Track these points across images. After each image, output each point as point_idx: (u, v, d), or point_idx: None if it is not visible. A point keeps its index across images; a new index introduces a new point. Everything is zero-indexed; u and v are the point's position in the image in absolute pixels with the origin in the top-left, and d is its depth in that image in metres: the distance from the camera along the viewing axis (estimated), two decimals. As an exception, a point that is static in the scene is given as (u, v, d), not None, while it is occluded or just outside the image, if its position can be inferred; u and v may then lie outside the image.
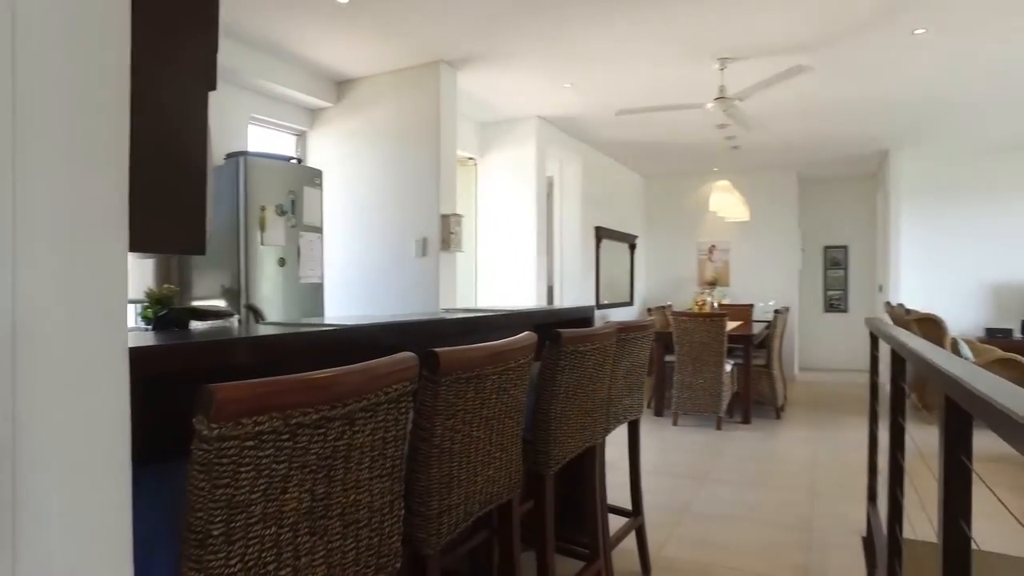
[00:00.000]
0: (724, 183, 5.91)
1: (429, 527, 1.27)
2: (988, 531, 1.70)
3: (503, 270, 5.88)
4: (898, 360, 2.30)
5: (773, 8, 3.61)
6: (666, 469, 4.29)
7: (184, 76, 1.25)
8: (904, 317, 5.66)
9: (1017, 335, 7.11)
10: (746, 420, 5.59)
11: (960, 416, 1.26)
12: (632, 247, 8.43)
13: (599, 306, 7.28)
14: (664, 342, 5.76)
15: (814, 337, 9.19)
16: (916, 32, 4.00)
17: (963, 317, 7.35)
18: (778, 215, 8.25)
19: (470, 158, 5.97)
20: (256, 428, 0.81)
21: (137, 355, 1.02)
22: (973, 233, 7.47)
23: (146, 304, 2.09)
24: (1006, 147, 7.07)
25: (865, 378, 8.43)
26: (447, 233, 4.43)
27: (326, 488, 0.95)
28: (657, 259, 8.92)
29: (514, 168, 5.86)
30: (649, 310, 6.33)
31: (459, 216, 4.54)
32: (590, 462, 2.26)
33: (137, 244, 1.15)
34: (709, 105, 4.39)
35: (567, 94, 5.18)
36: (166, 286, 2.15)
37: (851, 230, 9.04)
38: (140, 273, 3.39)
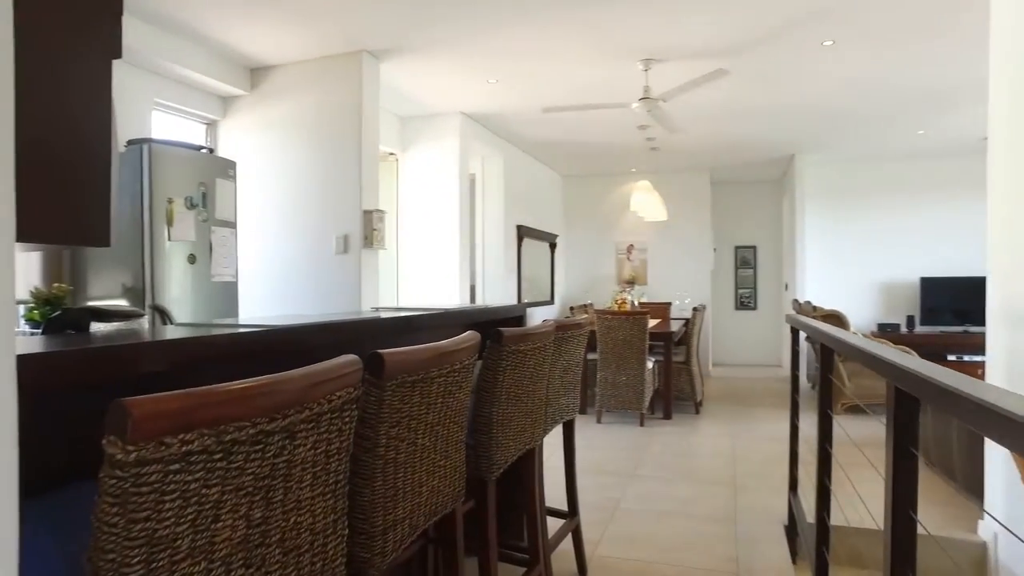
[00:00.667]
0: (645, 183, 6.02)
1: (373, 545, 1.16)
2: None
3: (425, 268, 5.74)
4: (827, 353, 2.36)
5: (694, 12, 3.67)
6: (595, 467, 4.29)
7: (83, 40, 1.08)
8: (812, 313, 5.94)
9: (904, 329, 7.64)
10: (667, 416, 5.71)
11: (908, 404, 1.28)
12: (552, 246, 8.47)
13: (522, 305, 7.25)
14: (587, 340, 5.79)
15: (726, 334, 9.55)
16: (825, 43, 4.18)
17: (859, 313, 7.82)
18: (692, 216, 8.51)
19: (391, 153, 5.80)
20: (183, 448, 0.68)
21: (28, 363, 0.86)
22: (867, 235, 7.96)
23: (32, 305, 1.85)
24: (896, 157, 7.58)
25: (774, 372, 8.87)
26: (369, 230, 4.26)
27: (263, 512, 0.83)
28: (577, 258, 9.01)
29: (437, 164, 5.73)
30: (571, 308, 6.36)
31: (382, 212, 4.38)
32: (529, 465, 2.19)
33: (28, 233, 0.97)
34: (634, 105, 4.44)
35: (492, 90, 5.11)
36: (56, 285, 1.92)
37: (760, 231, 9.45)
38: (24, 270, 3.06)
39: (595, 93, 5.03)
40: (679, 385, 5.92)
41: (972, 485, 3.47)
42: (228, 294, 3.71)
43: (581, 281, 8.98)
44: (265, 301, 4.39)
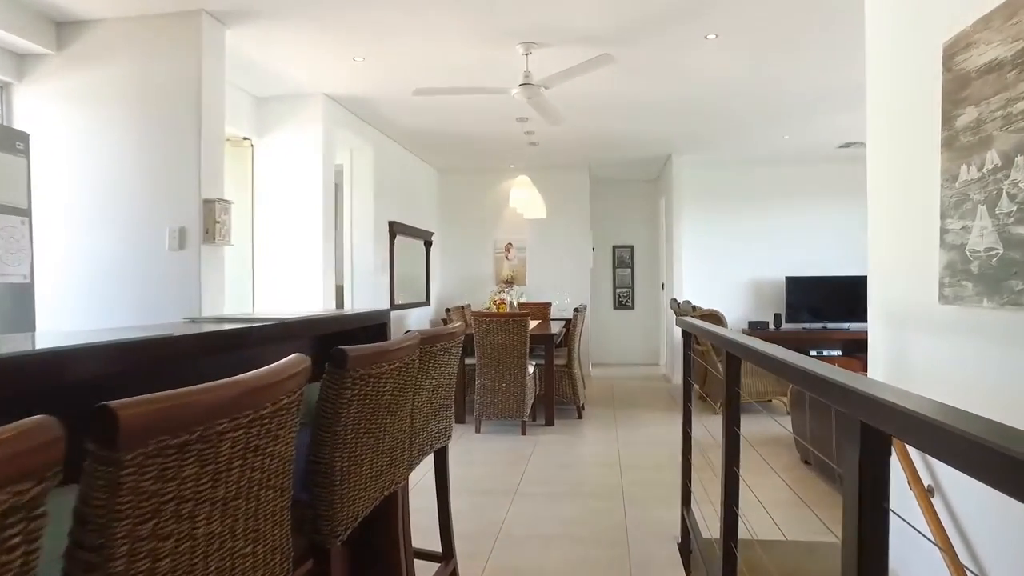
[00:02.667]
0: (524, 179, 5.75)
1: None
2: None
3: (286, 268, 5.13)
4: (734, 363, 2.12)
5: (581, -11, 3.40)
6: (473, 485, 3.92)
7: None
8: (691, 313, 5.92)
9: (771, 327, 7.92)
10: (550, 422, 5.46)
11: (877, 439, 1.00)
12: (428, 244, 8.03)
13: (394, 307, 6.77)
14: (464, 344, 5.43)
15: (605, 333, 9.54)
16: (709, 37, 4.06)
17: (731, 311, 8.01)
18: (572, 214, 8.38)
19: (245, 138, 5.13)
20: None
21: None
22: (738, 236, 8.19)
23: None
24: (764, 161, 7.84)
25: (653, 371, 8.96)
26: (211, 222, 3.64)
27: None
28: (453, 257, 8.63)
29: (298, 152, 5.13)
30: (447, 311, 5.98)
31: (227, 202, 3.76)
32: (391, 511, 1.77)
33: None
34: (514, 91, 4.11)
35: (357, 70, 4.60)
36: None
37: (637, 231, 9.52)
38: None
39: (472, 77, 4.67)
40: (561, 389, 5.70)
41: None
42: (19, 299, 2.98)
43: (458, 281, 8.61)
44: (77, 307, 3.64)
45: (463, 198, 8.61)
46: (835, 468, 3.62)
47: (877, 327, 2.97)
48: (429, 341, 1.85)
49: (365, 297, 6.20)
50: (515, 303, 6.36)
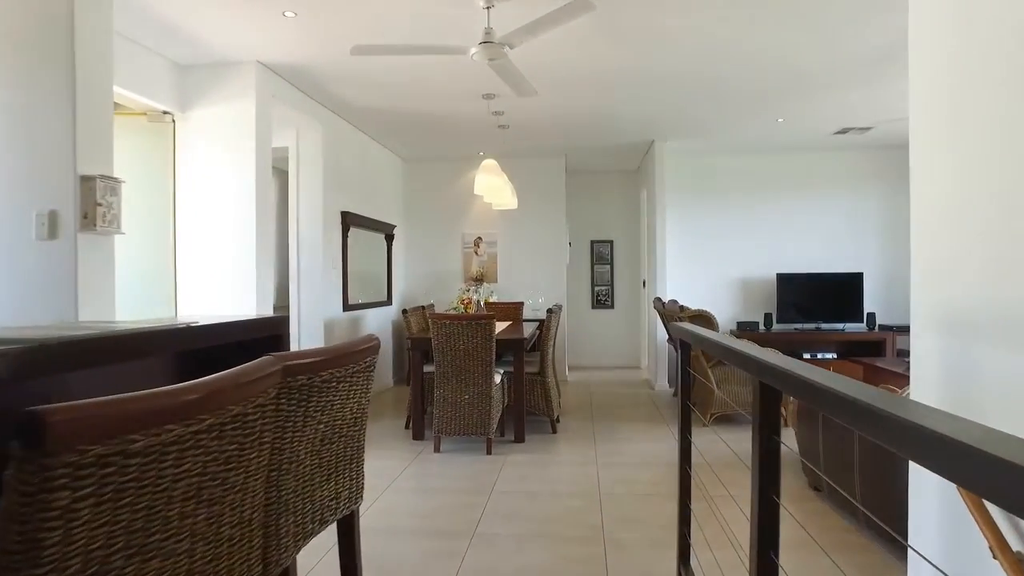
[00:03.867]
0: (490, 163, 5.08)
1: None
2: None
3: (214, 265, 4.40)
4: (771, 395, 1.47)
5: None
6: (423, 523, 3.25)
7: None
8: (678, 314, 5.30)
9: (762, 327, 7.35)
10: (519, 438, 4.80)
11: None
12: (389, 238, 7.33)
13: (348, 307, 6.06)
14: (423, 349, 4.76)
15: (583, 334, 8.91)
16: (702, -13, 3.43)
17: (719, 311, 7.42)
18: (546, 206, 7.74)
19: (166, 112, 4.39)
20: None
21: None
22: (726, 230, 7.60)
23: None
24: (754, 149, 7.26)
25: (634, 375, 8.33)
26: (91, 205, 2.91)
27: None
28: (419, 252, 7.93)
29: (228, 130, 4.42)
30: (404, 312, 5.29)
31: (114, 181, 3.04)
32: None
33: None
34: (473, 51, 3.44)
35: (290, 28, 3.90)
36: None
37: (616, 224, 8.90)
38: None
39: (424, 37, 3.98)
40: (533, 400, 5.04)
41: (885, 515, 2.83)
42: None
43: (424, 278, 7.91)
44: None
45: (429, 189, 7.92)
46: (858, 506, 3.01)
47: (927, 337, 2.35)
48: (304, 370, 1.17)
49: (313, 296, 5.49)
50: (482, 303, 5.69)
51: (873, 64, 4.56)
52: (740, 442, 4.68)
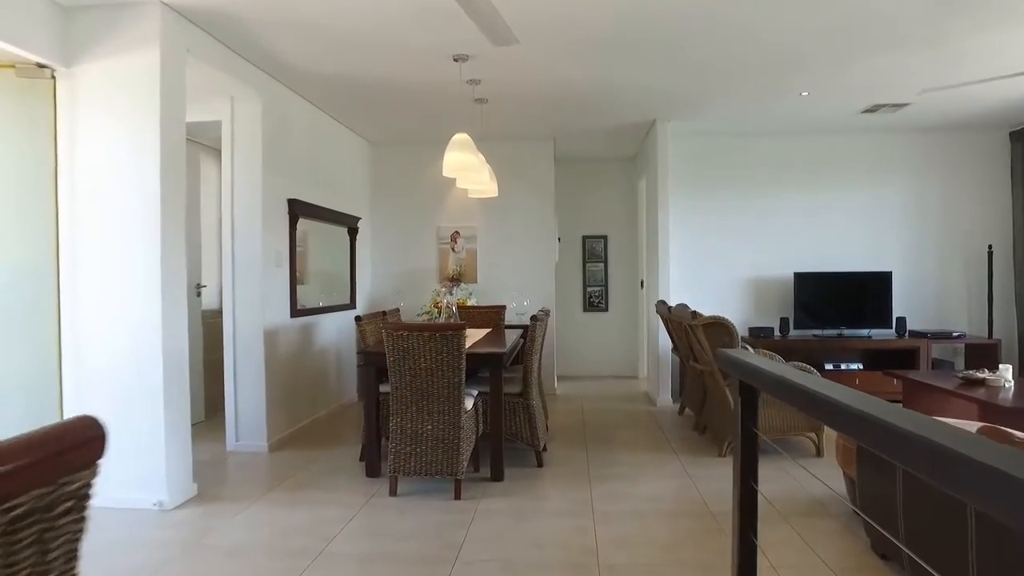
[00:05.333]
0: (462, 137, 4.17)
1: None
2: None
3: (109, 261, 3.47)
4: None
5: None
6: (353, 622, 2.34)
7: None
8: (689, 320, 4.42)
9: (777, 333, 6.48)
10: (497, 476, 3.89)
11: None
12: (353, 232, 6.40)
13: (299, 311, 5.13)
14: (379, 366, 3.84)
15: (574, 340, 8.02)
16: None
17: (729, 316, 6.55)
18: (533, 197, 6.84)
19: (42, 66, 3.45)
20: None
21: None
22: (736, 224, 6.73)
23: None
24: (772, 130, 6.39)
25: (631, 386, 7.40)
26: None
27: None
28: (388, 248, 7.00)
29: (125, 92, 3.48)
30: (358, 319, 4.38)
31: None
32: None
33: None
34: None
35: (193, -51, 2.97)
36: None
37: (611, 218, 8.02)
38: None
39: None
40: (514, 427, 4.13)
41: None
42: None
43: (394, 277, 6.99)
44: None
45: (400, 176, 6.99)
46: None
47: None
48: None
49: (252, 300, 4.56)
50: (453, 307, 4.78)
51: (940, 8, 3.68)
52: (775, 480, 3.79)
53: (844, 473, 3.42)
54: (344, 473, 4.06)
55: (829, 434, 4.64)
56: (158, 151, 3.43)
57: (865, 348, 6.25)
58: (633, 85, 5.00)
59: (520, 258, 6.84)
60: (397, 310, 5.42)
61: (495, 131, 6.45)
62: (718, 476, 3.93)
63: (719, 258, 6.73)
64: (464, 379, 3.56)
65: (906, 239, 6.64)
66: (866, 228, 6.64)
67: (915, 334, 6.28)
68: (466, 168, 4.13)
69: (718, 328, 4.32)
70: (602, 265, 8.03)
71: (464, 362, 3.53)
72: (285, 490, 3.75)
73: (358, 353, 4.01)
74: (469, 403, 3.74)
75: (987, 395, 4.11)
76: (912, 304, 6.61)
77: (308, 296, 5.49)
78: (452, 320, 4.83)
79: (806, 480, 3.83)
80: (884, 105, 5.59)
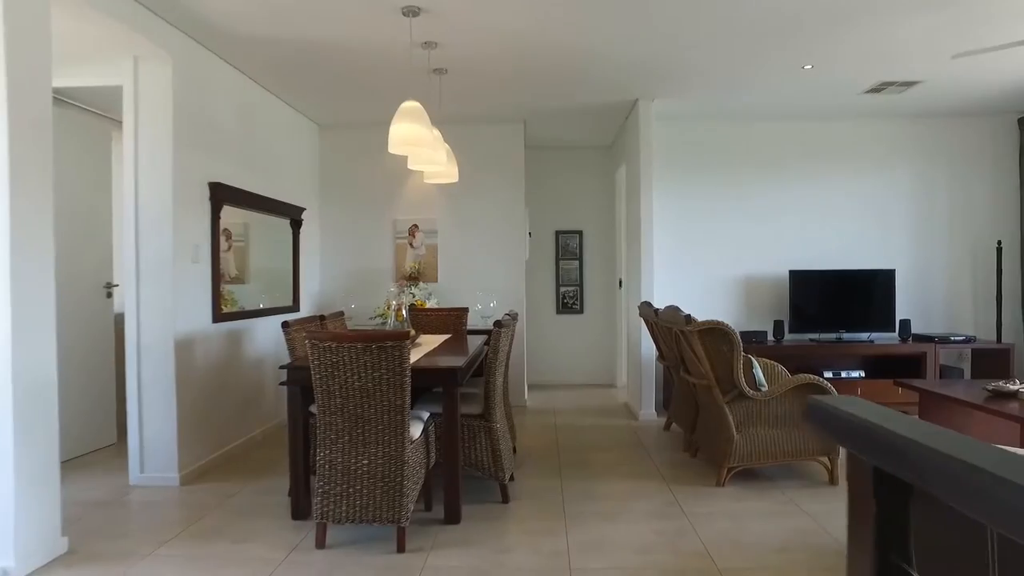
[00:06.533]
0: (412, 105, 3.46)
1: None
2: None
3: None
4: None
5: None
6: None
7: None
8: (683, 326, 3.75)
9: (771, 338, 5.88)
10: (452, 517, 3.17)
11: None
12: (296, 224, 5.63)
13: (223, 316, 4.35)
14: (307, 384, 3.10)
15: (546, 345, 7.34)
16: None
17: (716, 319, 5.93)
18: (501, 187, 6.14)
19: None
20: None
21: None
22: (725, 217, 6.10)
23: None
24: (763, 114, 5.77)
25: (609, 396, 6.70)
26: None
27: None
28: (338, 243, 6.24)
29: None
30: (285, 324, 3.63)
31: None
32: None
33: None
34: None
35: None
36: None
37: (587, 211, 7.35)
38: None
39: None
40: (474, 455, 3.42)
41: None
42: None
43: (345, 276, 6.23)
44: None
45: (352, 162, 6.24)
46: None
47: None
48: None
49: (162, 303, 3.78)
50: (404, 309, 4.06)
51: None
52: (784, 517, 3.13)
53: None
54: (266, 514, 3.31)
55: (845, 459, 4.01)
56: (5, 115, 2.64)
57: (866, 354, 5.67)
58: (613, 55, 4.32)
59: (486, 255, 6.13)
60: (341, 313, 4.68)
61: (458, 112, 5.73)
62: (720, 513, 3.27)
63: (706, 255, 6.10)
64: (409, 400, 2.84)
65: (910, 234, 6.08)
66: (867, 222, 6.07)
67: (920, 338, 5.71)
68: (417, 142, 3.41)
69: (716, 335, 3.66)
70: (577, 263, 7.36)
71: (409, 379, 2.81)
72: (186, 540, 2.99)
73: (281, 367, 3.27)
74: (417, 430, 3.02)
75: (1028, 412, 3.51)
76: (916, 305, 6.05)
77: (247, 297, 4.73)
78: (404, 325, 4.10)
79: (825, 518, 3.18)
80: (892, 83, 5.01)
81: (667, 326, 4.22)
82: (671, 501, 3.45)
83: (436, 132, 3.90)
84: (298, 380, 3.15)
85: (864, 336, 5.83)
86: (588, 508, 3.37)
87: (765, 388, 3.70)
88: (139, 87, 3.79)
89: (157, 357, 3.79)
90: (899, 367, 5.69)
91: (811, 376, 3.71)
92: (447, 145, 4.43)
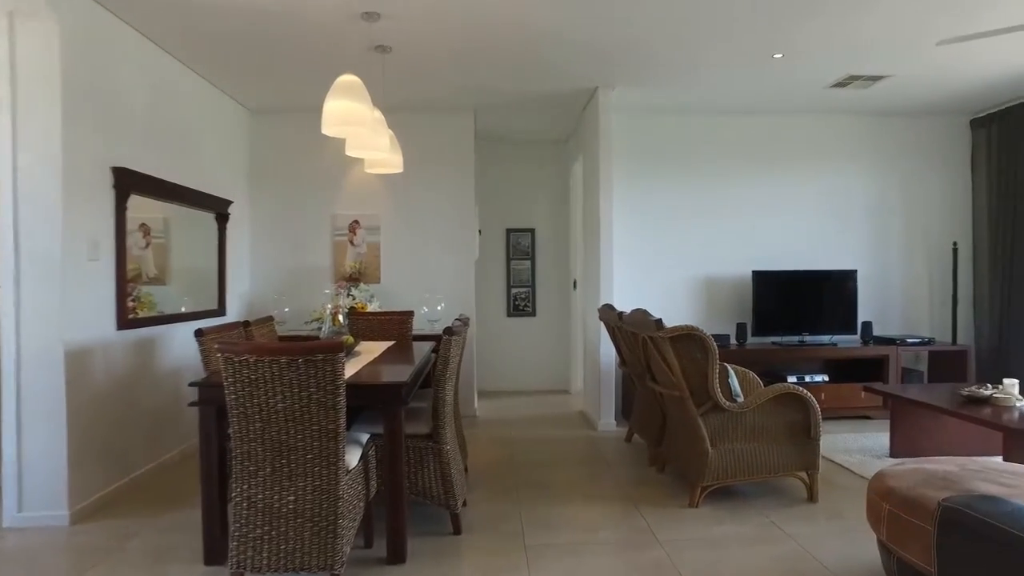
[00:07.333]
0: (349, 79, 3.02)
1: None
2: None
3: None
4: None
5: None
6: None
7: None
8: (652, 331, 3.40)
9: (734, 342, 5.63)
10: (396, 556, 2.72)
11: None
12: (223, 218, 5.06)
13: (130, 322, 3.77)
14: (222, 403, 2.60)
15: (496, 349, 6.94)
16: None
17: (676, 321, 5.65)
18: (449, 181, 5.70)
19: None
20: None
21: None
22: (687, 216, 5.83)
23: None
24: (726, 108, 5.51)
25: (564, 403, 6.35)
26: None
27: None
28: (272, 240, 5.68)
29: None
30: (199, 333, 3.11)
31: None
32: None
33: None
34: None
35: None
36: None
37: (540, 208, 6.99)
38: None
39: None
40: (421, 482, 2.98)
41: None
42: None
43: (279, 276, 5.67)
44: None
45: (287, 153, 5.68)
46: None
47: None
48: None
49: (45, 308, 3.19)
50: (342, 313, 3.59)
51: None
52: (769, 543, 2.80)
53: (878, 539, 2.48)
54: (173, 558, 2.79)
55: (826, 474, 3.77)
56: None
57: (829, 357, 5.47)
58: (572, 36, 3.95)
59: (433, 254, 5.68)
60: (271, 319, 4.16)
61: (404, 98, 5.27)
62: (698, 540, 2.93)
63: (666, 255, 5.81)
64: (345, 423, 2.39)
65: (870, 234, 5.94)
66: (830, 221, 5.91)
67: (881, 340, 5.57)
68: (355, 121, 2.95)
69: (689, 341, 3.32)
70: (529, 263, 6.99)
71: (344, 399, 2.35)
72: (68, 597, 2.45)
73: (190, 385, 2.76)
74: (354, 456, 2.57)
75: (1015, 420, 3.32)
76: (877, 306, 5.92)
77: (168, 300, 4.17)
78: (340, 331, 3.62)
79: (811, 542, 2.88)
80: (859, 77, 4.81)
81: (633, 331, 3.88)
82: (643, 527, 3.09)
83: (378, 113, 3.45)
84: (213, 399, 2.65)
85: (826, 339, 5.65)
86: (551, 539, 2.98)
87: (741, 399, 3.39)
88: (16, 52, 3.19)
89: (42, 370, 3.20)
90: (862, 370, 5.53)
91: (790, 385, 3.43)
92: (391, 131, 3.97)
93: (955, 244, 5.78)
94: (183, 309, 4.49)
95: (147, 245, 4.04)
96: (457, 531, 3.04)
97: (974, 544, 1.78)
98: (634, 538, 2.97)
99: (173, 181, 4.30)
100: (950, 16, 3.72)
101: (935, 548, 1.93)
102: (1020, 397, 3.73)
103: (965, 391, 3.88)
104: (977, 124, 5.92)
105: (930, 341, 5.56)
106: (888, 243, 5.95)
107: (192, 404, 2.70)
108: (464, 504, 3.32)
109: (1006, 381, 3.82)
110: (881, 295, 5.93)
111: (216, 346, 2.33)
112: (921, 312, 6.01)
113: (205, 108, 4.84)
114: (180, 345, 4.40)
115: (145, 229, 4.01)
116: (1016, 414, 3.49)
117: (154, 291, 4.11)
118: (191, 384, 2.72)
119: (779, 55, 4.35)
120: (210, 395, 2.64)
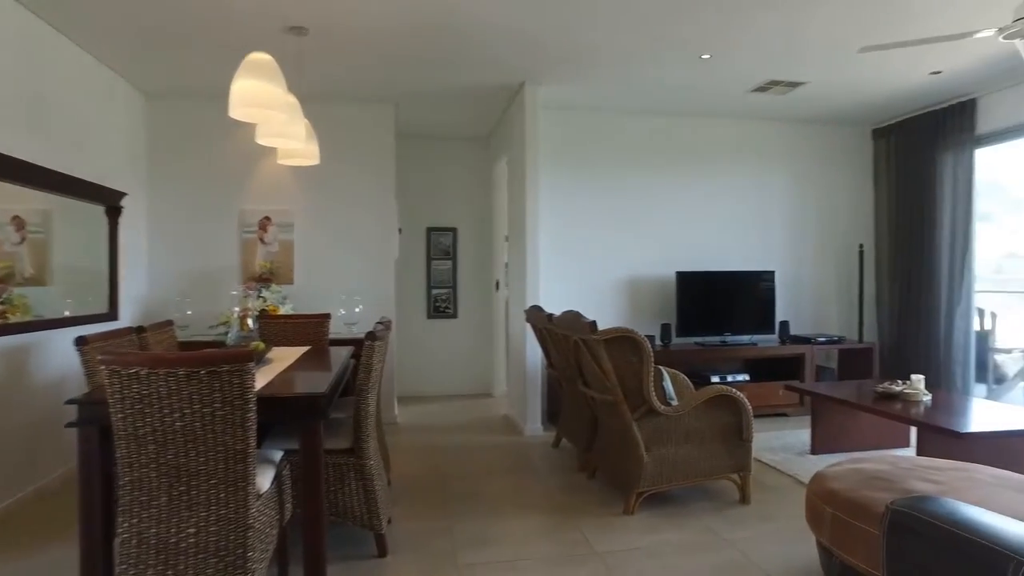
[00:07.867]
0: (259, 57, 2.74)
1: None
2: None
3: None
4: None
5: None
6: None
7: None
8: (586, 334, 3.28)
9: (659, 343, 5.63)
10: (313, 587, 2.46)
11: None
12: (114, 212, 4.57)
13: (4, 330, 3.30)
14: (107, 423, 2.25)
15: (416, 352, 6.69)
16: None
17: (602, 323, 5.58)
18: (368, 176, 5.41)
19: None
20: None
21: None
22: (611, 218, 5.78)
23: None
24: (649, 108, 5.51)
25: (487, 409, 6.08)
26: None
27: None
28: (174, 237, 5.20)
29: None
30: (81, 341, 2.72)
31: None
32: None
33: None
34: None
35: None
36: None
37: (461, 208, 6.79)
38: None
39: None
40: (342, 502, 2.73)
41: None
42: None
43: (180, 277, 5.20)
44: None
45: (189, 142, 5.22)
46: None
47: None
48: None
49: None
50: (251, 316, 3.28)
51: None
52: (709, 551, 2.72)
53: (818, 542, 2.45)
54: (48, 602, 2.41)
55: (754, 473, 3.76)
56: None
57: (749, 356, 5.57)
58: (501, 25, 3.79)
59: (351, 253, 5.37)
60: (170, 323, 3.76)
61: (321, 87, 4.94)
62: (637, 550, 2.82)
63: (589, 256, 5.75)
64: (255, 441, 2.11)
65: (786, 236, 6.11)
66: (750, 223, 6.03)
67: (797, 339, 5.72)
68: (266, 103, 2.67)
69: (624, 344, 3.22)
70: (450, 263, 6.78)
71: (254, 414, 2.08)
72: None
73: (66, 403, 2.40)
74: (266, 478, 2.29)
75: (925, 415, 3.43)
76: (792, 307, 6.09)
77: (47, 303, 3.68)
78: (250, 336, 3.29)
79: (749, 547, 2.84)
80: (779, 83, 4.91)
81: (564, 333, 3.75)
82: (579, 539, 2.96)
83: (292, 98, 3.16)
84: (96, 418, 2.30)
85: (747, 339, 5.75)
86: (485, 556, 2.79)
87: (675, 402, 3.33)
88: None
89: None
90: (780, 368, 5.66)
91: (724, 387, 3.39)
92: (307, 120, 3.67)
93: (861, 247, 6.02)
94: (66, 313, 4.00)
95: (22, 240, 3.57)
96: (383, 553, 2.80)
97: (923, 546, 1.73)
98: (571, 551, 2.83)
99: (51, 168, 3.81)
100: (881, 28, 3.81)
101: (884, 551, 1.88)
102: (926, 392, 3.89)
103: (879, 388, 3.99)
104: (878, 134, 6.21)
105: (840, 339, 5.77)
106: (802, 245, 6.14)
107: (70, 425, 2.33)
108: (389, 522, 3.09)
109: (913, 377, 3.97)
110: (796, 296, 6.11)
111: (100, 357, 2.00)
112: (830, 311, 6.23)
113: (93, 88, 4.35)
114: (62, 354, 3.91)
115: (19, 222, 3.54)
116: (922, 408, 3.63)
117: (30, 293, 3.63)
118: (68, 402, 2.36)
119: (707, 56, 4.35)
120: (92, 414, 2.29)
